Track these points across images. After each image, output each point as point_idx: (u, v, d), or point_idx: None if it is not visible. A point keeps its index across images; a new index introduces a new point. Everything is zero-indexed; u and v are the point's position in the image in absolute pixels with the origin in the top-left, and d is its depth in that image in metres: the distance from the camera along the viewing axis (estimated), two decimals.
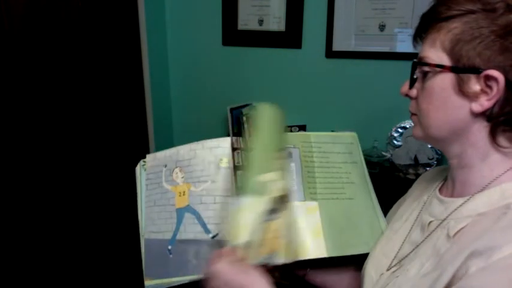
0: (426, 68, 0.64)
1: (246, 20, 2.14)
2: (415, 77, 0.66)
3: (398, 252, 0.73)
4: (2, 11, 1.50)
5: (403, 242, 0.74)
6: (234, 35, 2.17)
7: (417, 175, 1.81)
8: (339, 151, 0.90)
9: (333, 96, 2.06)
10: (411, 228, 0.74)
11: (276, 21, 2.09)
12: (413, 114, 0.70)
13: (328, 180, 0.86)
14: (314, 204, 0.81)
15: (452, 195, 0.69)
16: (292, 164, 0.84)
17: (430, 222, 0.69)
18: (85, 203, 1.86)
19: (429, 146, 1.87)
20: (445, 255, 0.60)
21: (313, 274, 0.91)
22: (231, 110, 2.06)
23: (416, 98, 0.68)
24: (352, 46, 1.97)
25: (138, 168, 0.90)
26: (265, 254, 0.72)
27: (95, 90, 1.87)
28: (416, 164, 1.87)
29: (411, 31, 1.87)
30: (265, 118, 0.82)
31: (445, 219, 0.65)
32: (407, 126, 1.92)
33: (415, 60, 0.66)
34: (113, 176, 1.98)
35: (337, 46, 1.99)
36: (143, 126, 2.20)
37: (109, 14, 1.91)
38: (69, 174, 1.79)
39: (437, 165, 1.73)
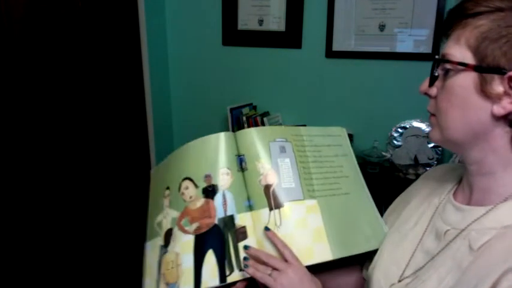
0: (448, 66, 0.60)
1: (246, 20, 2.14)
2: (436, 74, 0.63)
3: (410, 260, 0.69)
4: (2, 11, 1.50)
5: (414, 250, 0.70)
6: (234, 35, 2.17)
7: (417, 175, 1.81)
8: (329, 143, 0.86)
9: (333, 96, 2.07)
10: (423, 234, 0.70)
11: (276, 21, 2.09)
12: (432, 115, 0.66)
13: (323, 175, 0.81)
14: (313, 202, 0.77)
15: (469, 203, 0.65)
16: (287, 160, 0.79)
17: (447, 231, 0.65)
18: (84, 203, 1.86)
19: (429, 146, 1.87)
20: (470, 269, 0.57)
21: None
22: (231, 110, 2.06)
23: (435, 97, 0.64)
24: (352, 46, 1.98)
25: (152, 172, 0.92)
26: (166, 285, 0.75)
27: (95, 90, 1.87)
28: (416, 164, 1.87)
29: (411, 31, 1.88)
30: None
31: (464, 229, 0.62)
32: (407, 126, 1.92)
33: (437, 56, 0.62)
34: (112, 176, 1.98)
35: (337, 46, 2.00)
36: (143, 126, 2.20)
37: (109, 14, 1.91)
38: (68, 175, 1.79)
39: (438, 166, 1.73)
